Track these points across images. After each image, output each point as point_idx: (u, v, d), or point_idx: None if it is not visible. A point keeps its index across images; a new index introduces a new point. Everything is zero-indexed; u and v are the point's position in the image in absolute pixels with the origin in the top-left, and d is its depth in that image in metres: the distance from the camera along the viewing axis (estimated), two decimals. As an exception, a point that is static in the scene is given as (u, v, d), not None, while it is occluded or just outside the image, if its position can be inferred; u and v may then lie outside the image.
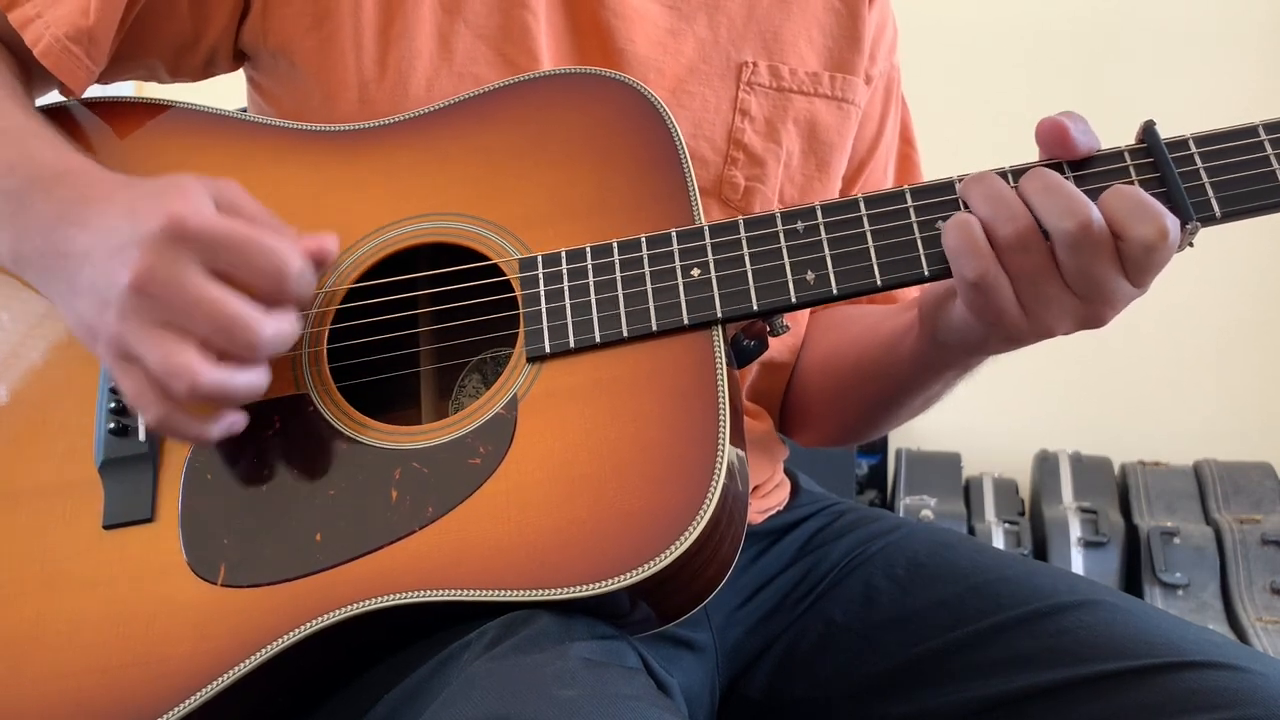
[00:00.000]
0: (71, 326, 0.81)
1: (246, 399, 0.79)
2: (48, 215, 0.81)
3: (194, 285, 0.75)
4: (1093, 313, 0.80)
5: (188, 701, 0.76)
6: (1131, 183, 0.80)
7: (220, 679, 0.76)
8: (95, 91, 0.98)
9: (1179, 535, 2.48)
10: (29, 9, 0.92)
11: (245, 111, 1.06)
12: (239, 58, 1.02)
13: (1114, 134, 0.84)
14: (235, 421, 0.80)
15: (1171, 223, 0.76)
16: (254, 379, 0.78)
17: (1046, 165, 0.81)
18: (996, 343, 0.85)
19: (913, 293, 1.12)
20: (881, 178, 1.15)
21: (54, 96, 0.99)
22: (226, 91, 1.12)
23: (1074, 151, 0.80)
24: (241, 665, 0.76)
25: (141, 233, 0.75)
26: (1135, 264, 0.77)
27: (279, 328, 0.77)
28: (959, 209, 0.81)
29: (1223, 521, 2.52)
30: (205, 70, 1.02)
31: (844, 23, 1.06)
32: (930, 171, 1.05)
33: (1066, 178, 0.80)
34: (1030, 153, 0.83)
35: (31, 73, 0.97)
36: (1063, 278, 0.78)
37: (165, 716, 0.76)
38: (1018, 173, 0.81)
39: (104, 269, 0.77)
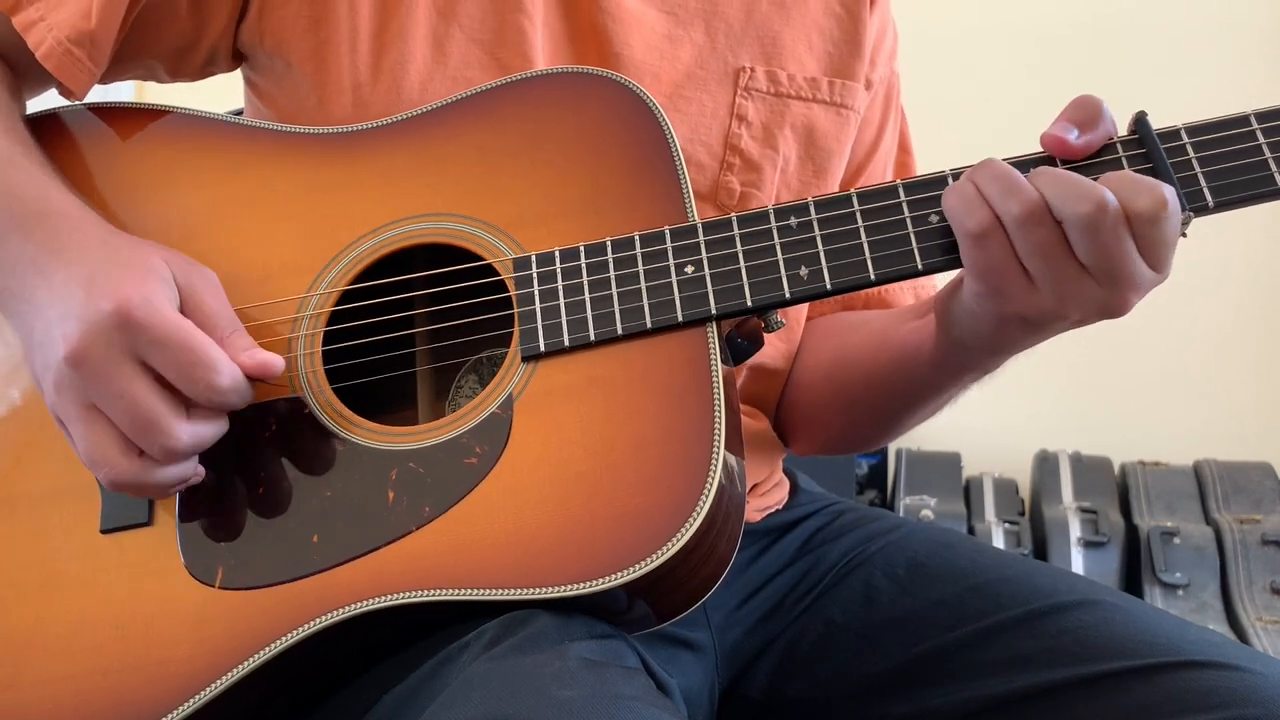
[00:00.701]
0: (28, 367, 0.83)
1: (168, 492, 0.81)
2: (21, 257, 0.83)
3: (123, 376, 0.77)
4: (1116, 298, 0.78)
5: (187, 704, 0.76)
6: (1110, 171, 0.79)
7: (219, 681, 0.76)
8: (94, 92, 0.98)
9: (1179, 535, 2.47)
10: (32, 12, 0.93)
11: (241, 112, 1.06)
12: (238, 58, 1.02)
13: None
14: (195, 477, 0.81)
15: (1169, 192, 0.76)
16: (173, 474, 0.79)
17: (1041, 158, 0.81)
18: (1016, 328, 0.82)
19: (909, 299, 1.12)
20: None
21: (50, 97, 0.99)
22: (224, 92, 1.12)
23: (1076, 152, 0.81)
24: (240, 667, 0.76)
25: (89, 309, 0.77)
26: (1145, 241, 0.76)
27: (196, 434, 0.79)
28: None
29: (1223, 521, 2.52)
30: (204, 70, 1.02)
31: (844, 27, 1.06)
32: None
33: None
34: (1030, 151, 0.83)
35: (25, 77, 0.97)
36: (1079, 261, 0.77)
37: (165, 719, 0.76)
38: (1011, 164, 0.81)
39: (50, 333, 0.79)
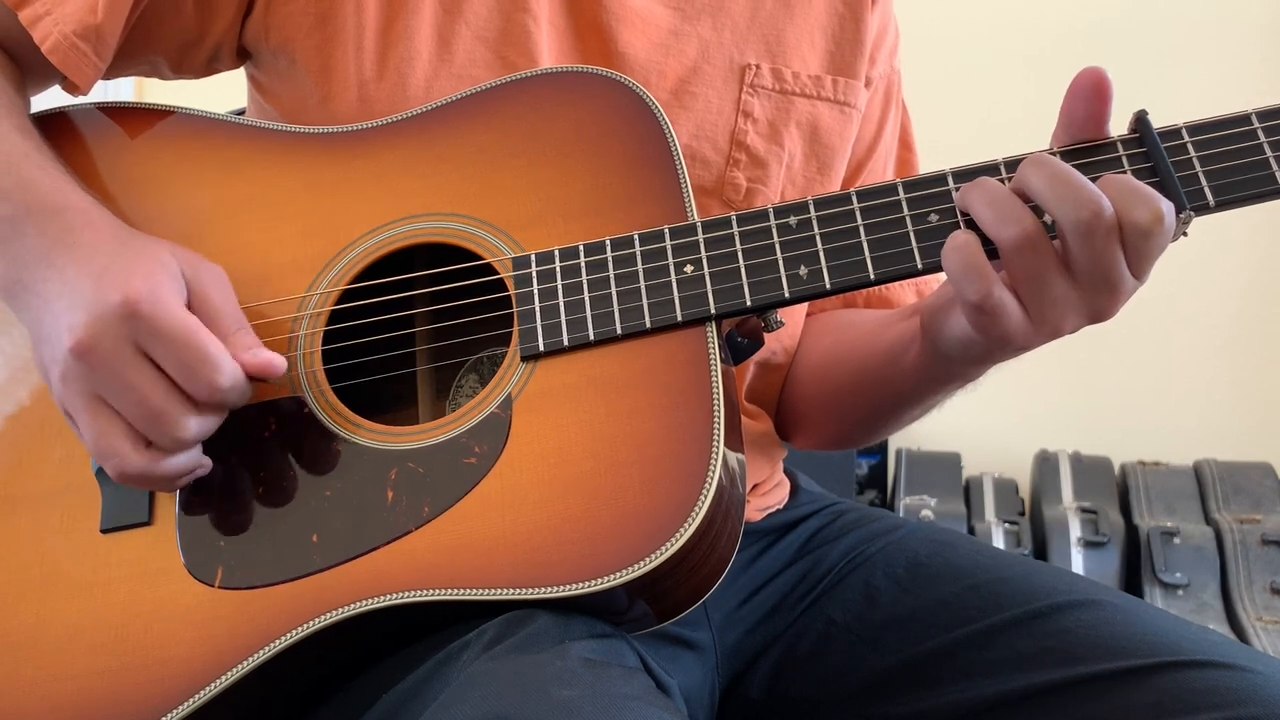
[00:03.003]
0: (35, 361, 0.84)
1: (177, 484, 0.82)
2: (35, 249, 0.83)
3: (130, 368, 0.77)
4: (1099, 305, 0.79)
5: (187, 703, 0.76)
6: (1124, 172, 0.79)
7: (219, 680, 0.76)
8: (97, 88, 0.98)
9: (1179, 535, 2.48)
10: (38, 6, 0.93)
11: (244, 111, 1.06)
12: (242, 55, 1.02)
13: (1114, 133, 0.83)
14: (201, 468, 0.82)
15: (1167, 207, 0.76)
16: (181, 463, 0.80)
17: (1045, 152, 0.81)
18: (1001, 354, 0.84)
19: (911, 298, 1.12)
20: (879, 180, 1.15)
21: (54, 93, 0.99)
22: (227, 90, 1.12)
23: (1106, 110, 0.80)
24: (240, 666, 0.76)
25: (98, 302, 0.78)
26: (1134, 251, 0.76)
27: (202, 426, 0.80)
28: (952, 201, 0.81)
29: (1223, 521, 2.52)
30: (208, 67, 1.02)
31: (846, 26, 1.06)
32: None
33: None
34: (1030, 149, 0.83)
35: (30, 72, 0.97)
36: (1069, 273, 0.77)
37: (165, 718, 0.76)
38: (1011, 164, 0.81)
39: (57, 325, 0.79)
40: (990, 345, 0.82)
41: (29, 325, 0.84)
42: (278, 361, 0.81)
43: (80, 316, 0.78)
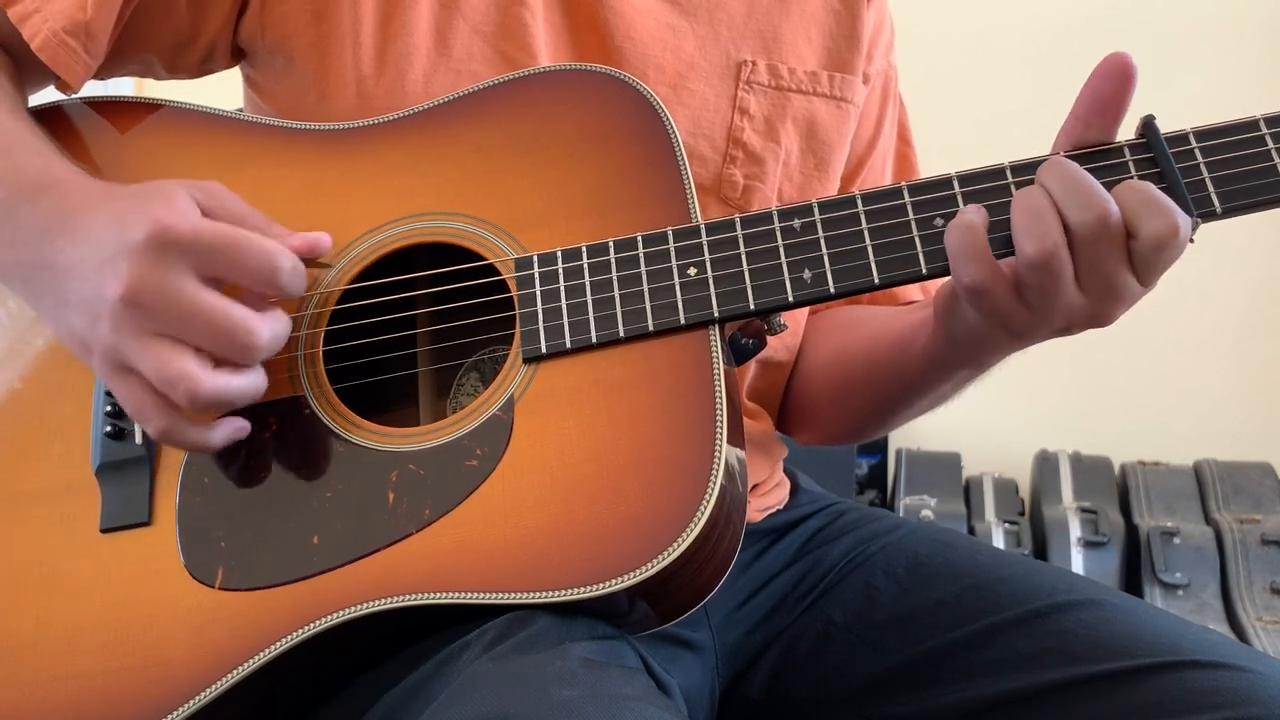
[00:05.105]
0: (63, 339, 0.81)
1: (246, 402, 0.79)
2: (34, 226, 0.81)
3: (187, 293, 0.75)
4: (1101, 310, 0.79)
5: (187, 705, 0.76)
6: (1131, 178, 0.79)
7: (219, 682, 0.76)
8: (91, 89, 0.98)
9: (1179, 535, 2.48)
10: (28, 3, 0.92)
11: (241, 111, 1.06)
12: (237, 54, 1.02)
13: (1121, 139, 0.83)
14: (240, 427, 0.81)
15: (1182, 220, 0.76)
16: (253, 382, 0.79)
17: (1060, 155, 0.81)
18: (1006, 340, 0.84)
19: (917, 295, 1.12)
20: (880, 176, 1.15)
21: (49, 93, 0.99)
22: (223, 91, 1.12)
23: (1128, 96, 0.80)
24: (240, 668, 0.76)
25: (129, 242, 0.75)
26: (1144, 261, 0.77)
27: (275, 329, 0.78)
28: (957, 206, 0.81)
29: (1223, 521, 2.52)
30: (202, 67, 1.02)
31: (843, 22, 1.06)
32: (929, 170, 1.05)
33: None
34: (1029, 152, 0.83)
35: (25, 71, 0.97)
36: (1076, 278, 0.77)
37: None
38: (1018, 168, 0.81)
39: (94, 281, 0.77)
40: (992, 327, 0.82)
41: (45, 302, 0.82)
42: (323, 238, 0.82)
43: (119, 265, 0.75)
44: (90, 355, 0.79)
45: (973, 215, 0.79)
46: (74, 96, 0.98)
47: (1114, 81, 0.79)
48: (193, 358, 0.76)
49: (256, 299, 0.79)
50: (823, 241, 0.82)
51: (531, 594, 0.73)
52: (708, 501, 0.74)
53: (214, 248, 0.76)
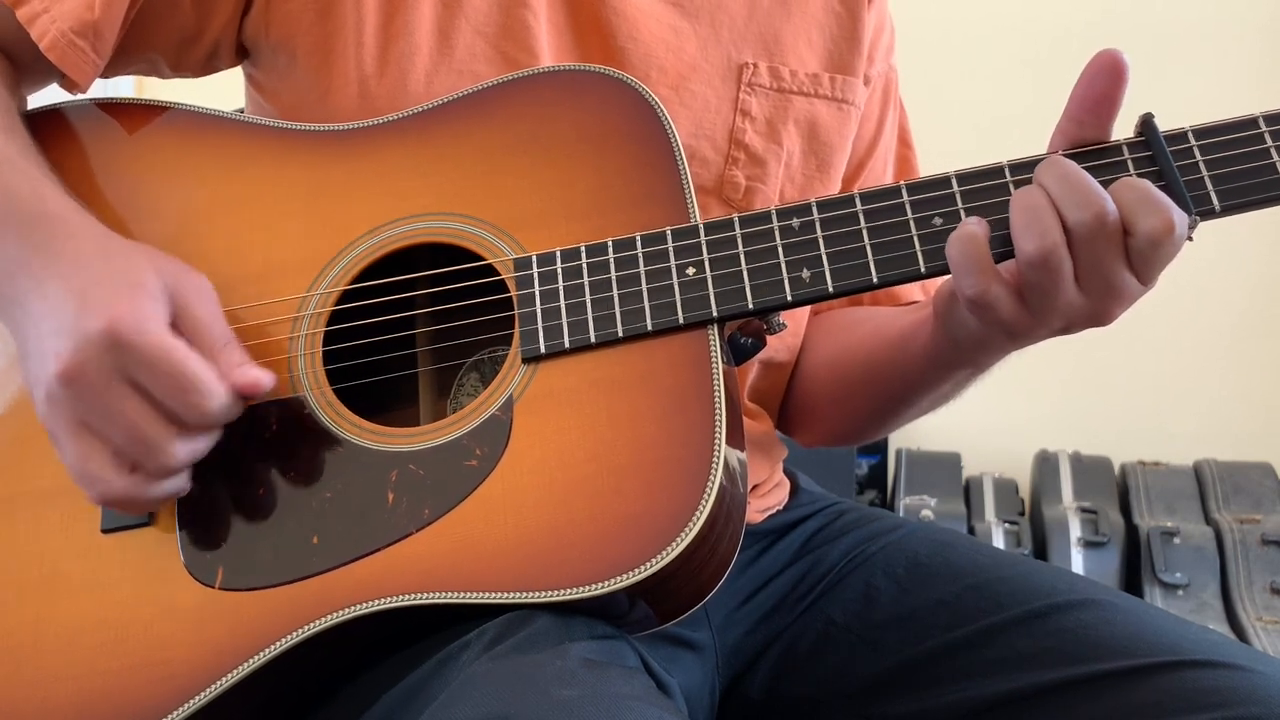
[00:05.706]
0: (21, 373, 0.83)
1: (159, 505, 0.82)
2: (15, 258, 0.82)
3: (114, 396, 0.76)
4: (1101, 309, 0.79)
5: (187, 705, 0.76)
6: (1131, 176, 0.79)
7: (219, 682, 0.76)
8: (92, 87, 0.98)
9: (1179, 535, 2.48)
10: (35, 4, 0.93)
11: (243, 110, 1.06)
12: (241, 53, 1.02)
13: (1114, 133, 0.83)
14: (180, 489, 0.81)
15: (1179, 216, 0.76)
16: (166, 489, 0.80)
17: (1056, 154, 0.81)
18: (1006, 341, 0.84)
19: (918, 294, 1.12)
20: (880, 178, 1.15)
21: (51, 91, 0.99)
22: (226, 90, 1.12)
23: (1121, 93, 0.80)
24: (240, 668, 0.76)
25: (81, 327, 0.77)
26: (1142, 258, 0.77)
27: (192, 450, 0.79)
28: (955, 205, 0.81)
29: (1223, 521, 2.52)
30: (207, 65, 1.02)
31: (844, 24, 1.06)
32: (928, 171, 1.05)
33: None
34: (1028, 152, 0.83)
35: (26, 72, 0.97)
36: (1075, 277, 0.77)
37: (165, 719, 0.76)
38: (1016, 167, 0.81)
39: (41, 347, 0.79)
40: (992, 333, 0.82)
41: (14, 336, 0.83)
42: (265, 379, 0.80)
43: (65, 343, 0.77)
44: (34, 401, 0.81)
45: (974, 226, 0.79)
46: (79, 96, 0.98)
47: (1105, 79, 0.80)
48: (109, 459, 0.78)
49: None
50: (821, 241, 0.82)
51: (531, 594, 0.73)
52: (707, 501, 0.74)
53: (151, 365, 0.76)
